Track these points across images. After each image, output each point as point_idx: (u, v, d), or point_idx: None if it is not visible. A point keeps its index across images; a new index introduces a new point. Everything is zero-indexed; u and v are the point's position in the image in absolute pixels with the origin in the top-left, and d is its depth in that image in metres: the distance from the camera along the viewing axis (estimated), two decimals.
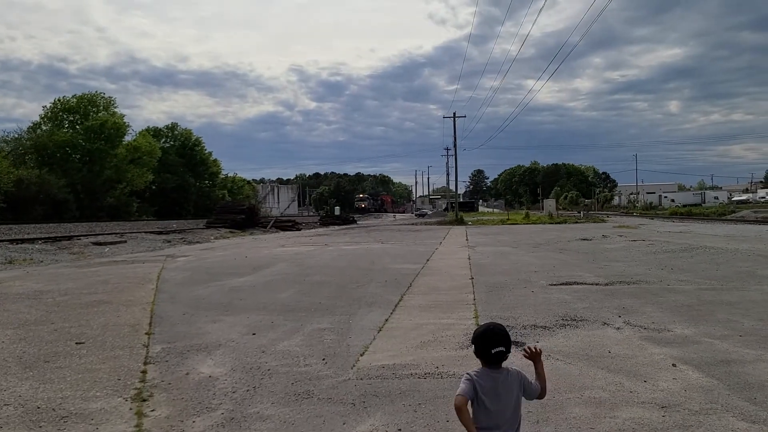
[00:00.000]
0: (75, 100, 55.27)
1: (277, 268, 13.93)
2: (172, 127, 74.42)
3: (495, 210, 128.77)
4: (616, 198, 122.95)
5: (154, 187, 67.28)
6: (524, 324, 6.88)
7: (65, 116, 54.88)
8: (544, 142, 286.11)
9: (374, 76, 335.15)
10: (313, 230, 41.30)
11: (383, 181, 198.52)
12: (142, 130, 67.57)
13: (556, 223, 44.34)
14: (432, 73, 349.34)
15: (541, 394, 2.76)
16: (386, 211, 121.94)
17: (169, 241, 27.09)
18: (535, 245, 20.31)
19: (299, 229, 41.79)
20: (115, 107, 57.81)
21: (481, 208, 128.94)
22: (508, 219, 50.70)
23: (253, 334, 6.64)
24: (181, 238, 29.01)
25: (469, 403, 2.53)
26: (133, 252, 21.49)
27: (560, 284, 10.23)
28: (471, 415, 2.53)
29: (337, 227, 47.30)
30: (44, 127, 54.30)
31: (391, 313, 7.82)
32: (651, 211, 79.90)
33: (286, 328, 6.92)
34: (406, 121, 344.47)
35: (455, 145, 52.89)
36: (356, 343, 6.12)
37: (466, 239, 25.03)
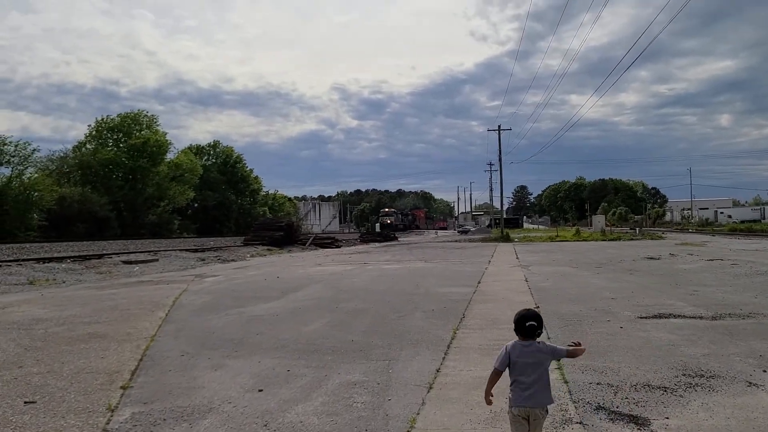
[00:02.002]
0: (119, 118, 55.55)
1: (309, 291, 12.31)
2: (214, 144, 74.54)
3: (540, 226, 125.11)
4: (668, 214, 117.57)
5: (196, 205, 67.22)
6: (633, 382, 4.98)
7: (109, 135, 55.16)
8: (589, 157, 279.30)
9: (415, 94, 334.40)
10: (352, 247, 39.78)
11: (424, 197, 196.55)
12: (185, 148, 67.77)
13: (610, 239, 41.58)
14: (473, 90, 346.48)
15: (570, 356, 3.49)
16: (418, 228, 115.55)
17: (203, 260, 25.94)
18: (598, 265, 18.15)
19: (339, 247, 40.34)
20: (158, 125, 57.89)
21: (525, 225, 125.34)
22: (557, 236, 48.05)
23: (260, 390, 4.96)
24: (216, 256, 27.86)
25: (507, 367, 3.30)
26: (163, 271, 20.32)
27: (652, 317, 8.22)
28: (509, 373, 3.30)
29: (377, 244, 45.70)
30: (89, 146, 54.70)
31: (444, 358, 6.04)
32: (707, 227, 75.61)
33: (305, 381, 5.21)
34: (447, 138, 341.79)
35: (500, 158, 50.71)
36: (397, 411, 4.36)
37: (517, 257, 22.97)
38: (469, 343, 6.76)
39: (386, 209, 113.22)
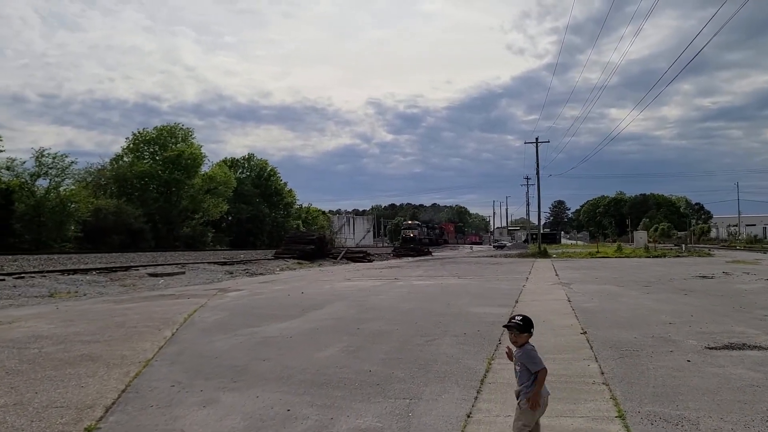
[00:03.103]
0: (155, 132, 56.23)
1: (331, 309, 11.40)
2: (249, 157, 75.02)
3: (578, 242, 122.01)
4: (713, 230, 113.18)
5: (230, 218, 67.49)
6: None
7: (145, 147, 55.85)
8: (629, 171, 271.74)
9: (451, 108, 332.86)
10: (385, 262, 38.84)
11: (459, 212, 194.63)
12: (219, 161, 68.26)
13: (654, 256, 39.59)
14: (510, 104, 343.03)
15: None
16: (446, 243, 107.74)
17: (231, 273, 25.37)
18: (646, 283, 16.77)
19: (371, 261, 39.46)
20: (193, 138, 58.46)
21: (563, 240, 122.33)
22: (597, 252, 46.20)
23: None
24: (245, 270, 27.29)
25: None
26: (188, 284, 19.74)
27: (722, 347, 7.02)
28: None
29: (411, 259, 44.66)
30: (126, 159, 55.46)
31: (476, 398, 5.03)
32: (756, 244, 72.19)
33: (305, 427, 4.28)
34: (483, 152, 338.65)
35: (537, 171, 49.24)
36: None
37: (556, 274, 21.66)
38: (506, 377, 5.73)
39: (409, 221, 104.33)
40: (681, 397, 4.94)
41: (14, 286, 16.72)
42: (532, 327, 3.82)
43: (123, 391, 5.34)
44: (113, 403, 4.92)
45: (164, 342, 7.92)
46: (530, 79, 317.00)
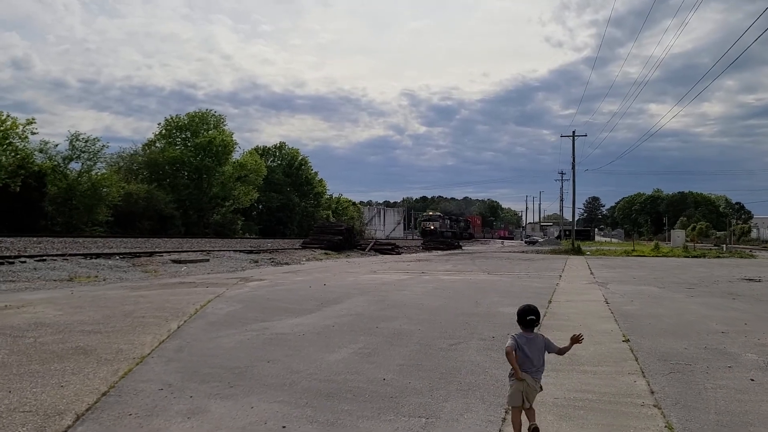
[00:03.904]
0: (187, 118, 56.28)
1: (350, 303, 10.75)
2: (280, 146, 74.84)
3: (613, 239, 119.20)
4: (754, 231, 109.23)
5: (260, 207, 67.52)
6: None
7: (177, 134, 55.96)
8: (667, 169, 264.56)
9: (486, 101, 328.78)
10: (413, 255, 38.12)
11: (491, 206, 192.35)
12: (250, 149, 68.20)
13: (693, 256, 37.96)
14: (546, 97, 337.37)
15: (559, 353, 4.07)
16: (472, 236, 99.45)
17: (256, 261, 24.99)
18: (689, 285, 15.69)
19: (399, 253, 38.79)
20: (225, 125, 58.33)
21: (596, 237, 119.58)
22: (633, 250, 44.61)
23: None
24: (270, 259, 26.89)
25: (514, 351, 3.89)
26: (210, 272, 19.38)
27: None
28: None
29: (440, 252, 43.84)
30: (158, 145, 55.70)
31: (504, 419, 4.30)
32: None
33: None
34: (517, 146, 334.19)
35: (573, 165, 47.65)
36: None
37: (591, 273, 20.64)
38: (539, 394, 4.98)
39: (430, 213, 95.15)
40: (752, 429, 4.12)
41: (35, 269, 16.53)
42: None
43: (104, 393, 4.75)
44: (88, 409, 4.33)
45: (167, 335, 7.38)
46: (568, 72, 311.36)
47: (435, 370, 5.70)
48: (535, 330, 4.02)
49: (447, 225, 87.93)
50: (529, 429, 3.87)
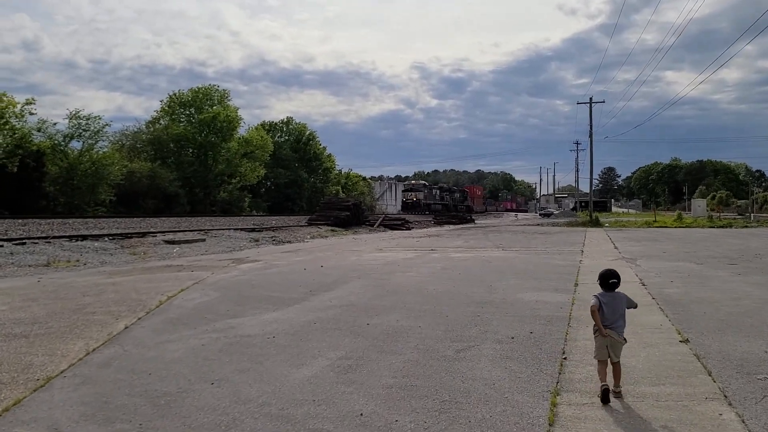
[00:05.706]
0: (190, 93, 54.70)
1: (343, 290, 9.25)
2: (287, 121, 73.09)
3: (630, 210, 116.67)
4: None
5: (268, 183, 66.07)
6: None
7: (181, 110, 54.46)
8: (684, 137, 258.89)
9: (497, 72, 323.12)
10: (424, 230, 36.59)
11: (505, 178, 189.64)
12: (257, 125, 66.55)
13: (720, 227, 36.04)
14: (559, 67, 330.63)
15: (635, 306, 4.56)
16: (471, 210, 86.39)
17: (256, 240, 23.59)
18: (729, 260, 13.99)
19: (409, 229, 37.27)
20: (229, 100, 56.68)
21: (613, 208, 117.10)
22: (655, 221, 42.67)
23: None
24: (272, 237, 25.50)
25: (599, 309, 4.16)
26: (204, 253, 18.00)
27: None
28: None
29: (452, 226, 42.27)
30: (161, 122, 54.27)
31: None
32: None
33: None
34: (530, 118, 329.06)
35: (591, 134, 45.48)
36: None
37: (615, 247, 18.96)
38: None
39: (412, 182, 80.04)
40: None
41: (11, 254, 15.21)
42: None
43: None
44: None
45: (106, 340, 5.92)
46: (582, 41, 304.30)
47: (434, 395, 4.16)
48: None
49: (435, 196, 74.66)
50: (612, 391, 4.08)
